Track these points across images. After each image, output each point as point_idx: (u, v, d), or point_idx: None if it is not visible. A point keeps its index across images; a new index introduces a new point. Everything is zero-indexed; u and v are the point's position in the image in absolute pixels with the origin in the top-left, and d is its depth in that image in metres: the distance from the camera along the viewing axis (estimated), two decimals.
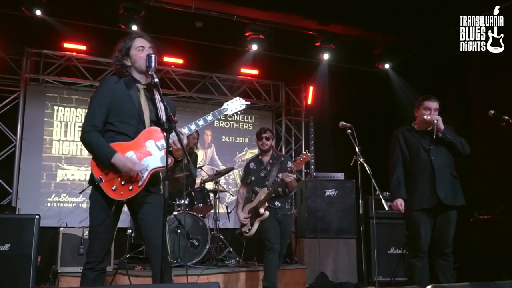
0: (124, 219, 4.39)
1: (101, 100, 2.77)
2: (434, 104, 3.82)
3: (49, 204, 6.49)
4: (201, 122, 2.86)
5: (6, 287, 3.92)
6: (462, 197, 3.81)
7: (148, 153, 2.75)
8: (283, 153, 7.31)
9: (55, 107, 6.73)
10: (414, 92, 6.33)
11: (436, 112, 3.81)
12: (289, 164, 4.46)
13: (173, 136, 2.63)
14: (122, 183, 2.69)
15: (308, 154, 4.28)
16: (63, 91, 6.79)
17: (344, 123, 3.99)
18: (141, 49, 2.87)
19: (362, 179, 3.86)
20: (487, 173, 5.90)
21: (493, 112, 3.74)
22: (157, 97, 2.81)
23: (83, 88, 6.81)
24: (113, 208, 2.71)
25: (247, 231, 4.57)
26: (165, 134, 2.61)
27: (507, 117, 3.64)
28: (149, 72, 2.71)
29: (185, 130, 2.79)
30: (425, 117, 3.79)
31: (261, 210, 4.46)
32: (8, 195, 6.20)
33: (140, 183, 2.71)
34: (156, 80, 2.65)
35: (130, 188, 2.70)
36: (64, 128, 6.73)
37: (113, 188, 2.68)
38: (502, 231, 5.11)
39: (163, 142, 2.75)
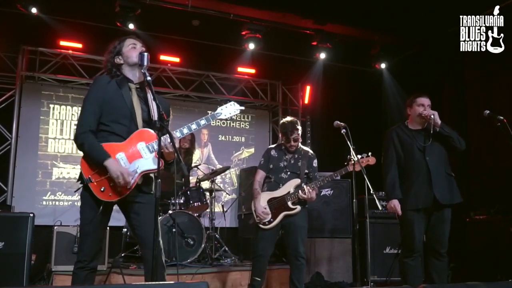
0: (120, 218, 4.38)
1: (93, 100, 2.77)
2: (427, 100, 3.83)
3: (44, 203, 6.47)
4: (194, 126, 2.84)
5: (0, 285, 3.91)
6: (459, 194, 3.78)
7: (139, 155, 2.73)
8: None
9: (51, 105, 6.71)
10: (408, 92, 6.33)
11: (429, 108, 3.81)
12: (315, 162, 4.22)
13: (164, 139, 2.61)
14: (111, 184, 2.68)
15: (373, 157, 3.97)
16: (59, 89, 6.78)
17: (338, 122, 3.97)
18: (133, 46, 2.88)
19: (357, 179, 3.84)
20: (483, 173, 5.90)
21: (487, 112, 3.72)
22: (150, 96, 2.80)
23: (79, 86, 6.79)
24: (100, 208, 2.70)
25: (267, 223, 4.04)
26: (157, 133, 2.58)
27: (501, 117, 3.62)
28: (142, 70, 2.69)
29: (177, 134, 2.78)
30: (421, 112, 3.77)
31: (291, 204, 4.04)
32: (3, 193, 6.19)
33: (129, 186, 2.69)
34: (149, 78, 2.64)
35: (119, 189, 2.69)
36: (60, 126, 6.71)
37: (102, 189, 2.67)
38: (498, 231, 5.10)
39: (153, 144, 2.74)
